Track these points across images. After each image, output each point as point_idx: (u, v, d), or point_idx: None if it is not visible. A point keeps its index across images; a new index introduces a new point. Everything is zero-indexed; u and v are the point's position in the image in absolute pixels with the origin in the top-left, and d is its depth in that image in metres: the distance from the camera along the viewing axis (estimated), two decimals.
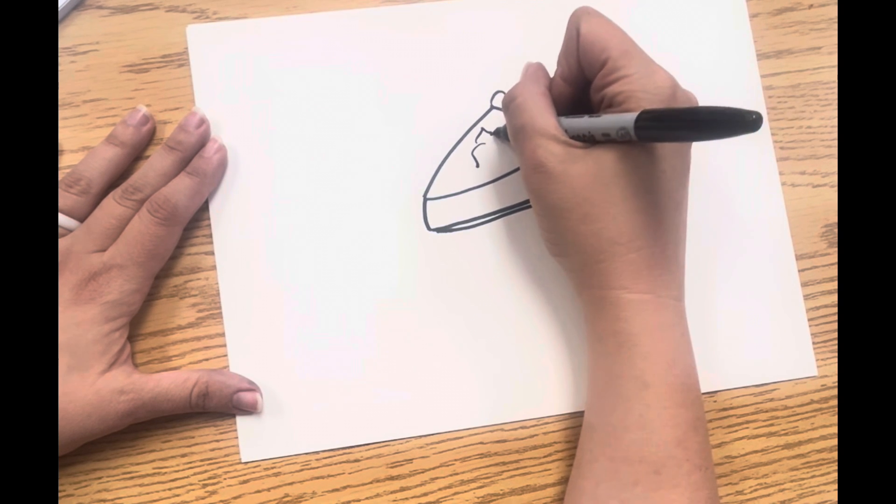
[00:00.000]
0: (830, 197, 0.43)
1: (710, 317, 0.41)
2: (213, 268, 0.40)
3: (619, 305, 0.34)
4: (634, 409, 0.33)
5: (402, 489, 0.39)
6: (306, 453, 0.39)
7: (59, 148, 0.40)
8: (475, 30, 0.43)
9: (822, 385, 0.42)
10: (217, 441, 0.39)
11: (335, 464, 0.39)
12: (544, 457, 0.40)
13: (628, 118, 0.31)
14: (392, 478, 0.39)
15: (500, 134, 0.42)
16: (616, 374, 0.34)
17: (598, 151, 0.33)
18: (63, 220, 0.37)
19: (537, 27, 0.43)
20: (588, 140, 0.34)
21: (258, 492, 0.39)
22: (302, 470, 0.39)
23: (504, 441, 0.40)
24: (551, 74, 0.37)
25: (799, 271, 0.42)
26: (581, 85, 0.36)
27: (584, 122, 0.34)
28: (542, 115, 0.35)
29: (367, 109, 0.42)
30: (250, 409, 0.38)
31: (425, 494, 0.39)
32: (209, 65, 0.41)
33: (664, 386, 0.33)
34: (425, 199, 0.41)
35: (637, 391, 0.33)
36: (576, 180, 0.33)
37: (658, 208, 0.34)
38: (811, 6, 0.45)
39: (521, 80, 0.37)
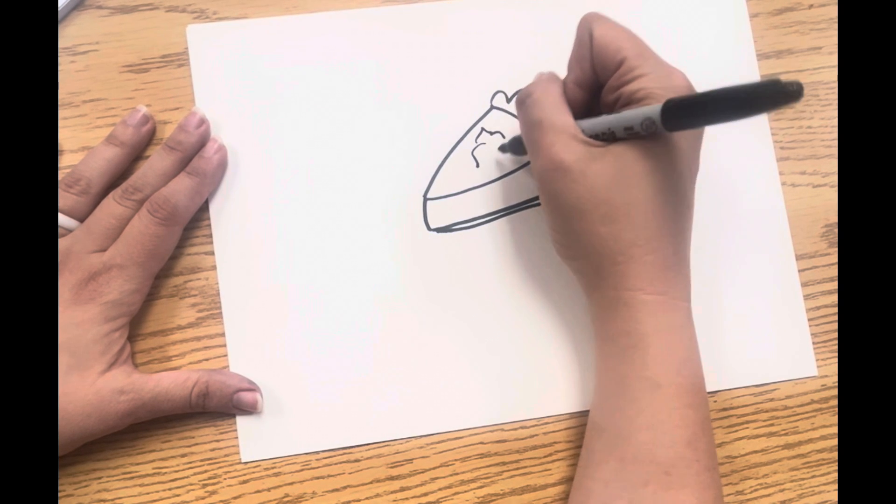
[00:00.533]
0: (830, 197, 0.43)
1: (711, 317, 0.41)
2: (213, 268, 0.40)
3: (632, 306, 0.34)
4: (645, 409, 0.33)
5: (402, 489, 0.39)
6: (306, 453, 0.39)
7: (59, 148, 0.40)
8: (475, 30, 0.43)
9: (822, 385, 0.42)
10: (217, 441, 0.39)
11: (335, 464, 0.39)
12: (544, 457, 0.40)
13: (654, 108, 0.31)
14: (392, 478, 0.39)
15: (505, 149, 0.41)
16: (625, 375, 0.34)
17: (617, 149, 0.33)
18: (63, 220, 0.37)
19: (538, 27, 0.43)
20: (607, 138, 0.33)
21: (258, 492, 0.39)
22: (302, 470, 0.39)
23: (504, 441, 0.40)
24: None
25: (799, 271, 0.42)
26: (593, 89, 0.36)
27: (603, 120, 0.33)
28: (560, 112, 0.34)
29: (367, 109, 0.42)
30: (250, 409, 0.38)
31: (425, 494, 0.39)
32: (209, 65, 0.41)
33: (675, 387, 0.33)
34: (425, 199, 0.41)
35: (648, 392, 0.33)
36: (595, 180, 0.33)
37: (674, 209, 0.34)
38: (811, 6, 0.45)
39: (536, 80, 0.37)
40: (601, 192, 0.33)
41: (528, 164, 0.42)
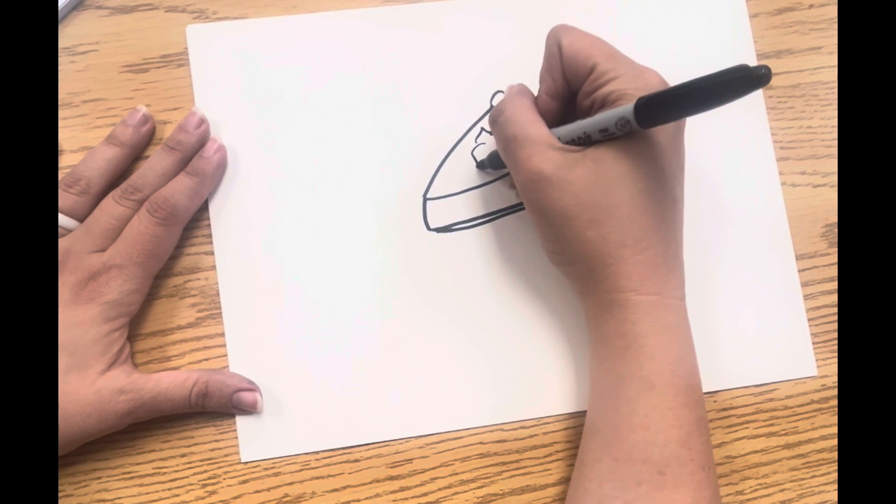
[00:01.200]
0: (830, 197, 0.43)
1: (711, 317, 0.41)
2: (213, 268, 0.40)
3: (627, 308, 0.34)
4: (639, 409, 0.33)
5: (402, 489, 0.39)
6: (306, 453, 0.39)
7: (59, 148, 0.40)
8: (475, 30, 0.43)
9: (822, 385, 0.42)
10: (217, 441, 0.39)
11: (335, 464, 0.39)
12: (544, 457, 0.40)
13: (627, 107, 0.31)
14: (392, 478, 0.39)
15: (483, 165, 0.41)
16: (620, 375, 0.34)
17: (596, 153, 0.33)
18: (63, 220, 0.37)
19: (537, 27, 0.43)
20: (584, 142, 0.33)
21: (258, 492, 0.39)
22: (302, 470, 0.39)
23: (504, 441, 0.40)
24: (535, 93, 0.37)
25: (799, 271, 0.42)
26: (566, 99, 0.36)
27: (579, 125, 0.33)
28: (533, 124, 0.34)
29: (366, 109, 0.42)
30: (250, 409, 0.38)
31: (425, 494, 0.39)
32: (209, 65, 0.41)
33: (669, 387, 0.33)
34: (425, 199, 0.41)
35: (642, 392, 0.33)
36: (577, 186, 0.33)
37: (660, 206, 0.34)
38: (811, 6, 0.45)
39: (506, 96, 0.37)
40: (584, 197, 0.33)
41: None
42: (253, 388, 0.38)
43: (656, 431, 0.33)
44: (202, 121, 0.40)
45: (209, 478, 0.39)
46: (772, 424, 0.41)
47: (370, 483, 0.39)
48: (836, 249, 0.43)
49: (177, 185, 0.38)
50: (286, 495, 0.39)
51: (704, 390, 0.40)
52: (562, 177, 0.33)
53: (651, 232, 0.33)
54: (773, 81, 0.44)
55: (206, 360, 0.39)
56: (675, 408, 0.33)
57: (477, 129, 0.42)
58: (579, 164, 0.33)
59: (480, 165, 0.42)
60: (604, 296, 0.34)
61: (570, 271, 0.36)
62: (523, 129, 0.34)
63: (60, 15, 0.41)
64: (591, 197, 0.33)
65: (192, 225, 0.40)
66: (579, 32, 0.35)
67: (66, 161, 0.40)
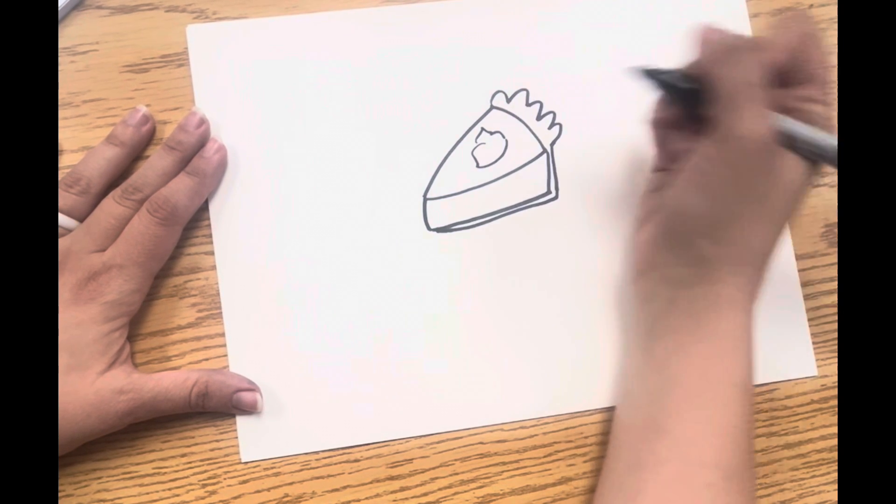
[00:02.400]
0: (830, 197, 0.43)
1: None
2: (213, 268, 0.40)
3: (735, 307, 0.34)
4: (725, 414, 0.33)
5: (402, 489, 0.39)
6: (306, 453, 0.39)
7: (59, 148, 0.40)
8: (475, 30, 0.43)
9: (822, 385, 0.42)
10: (217, 441, 0.39)
11: (335, 464, 0.39)
12: (544, 457, 0.40)
13: (834, 145, 0.32)
14: (392, 478, 0.39)
15: (655, 76, 0.35)
16: (715, 379, 0.34)
17: (793, 159, 0.33)
18: (63, 220, 0.37)
19: (538, 27, 0.43)
20: (780, 140, 0.33)
21: (258, 492, 0.39)
22: (302, 470, 0.39)
23: (504, 441, 0.40)
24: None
25: (799, 271, 0.42)
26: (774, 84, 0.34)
27: (786, 122, 0.33)
28: (765, 95, 0.32)
29: (366, 109, 0.42)
30: (250, 409, 0.38)
31: (425, 494, 0.39)
32: (209, 65, 0.41)
33: (750, 394, 0.34)
34: (425, 199, 0.41)
35: (736, 396, 0.34)
36: (775, 175, 0.33)
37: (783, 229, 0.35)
38: (811, 6, 0.45)
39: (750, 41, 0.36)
40: (769, 189, 0.33)
41: (526, 163, 0.42)
42: (253, 388, 0.38)
43: (734, 437, 0.33)
44: (202, 121, 0.40)
45: (209, 478, 0.39)
46: (772, 424, 0.41)
47: (370, 483, 0.39)
48: (836, 249, 0.43)
49: (177, 185, 0.38)
50: (286, 495, 0.39)
51: None
52: (776, 159, 0.33)
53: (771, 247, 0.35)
54: None
55: (206, 360, 0.39)
56: (750, 414, 0.34)
57: (477, 129, 0.42)
58: (780, 158, 0.33)
59: (649, 74, 0.36)
60: (713, 287, 0.34)
61: (691, 253, 0.35)
62: (760, 92, 0.32)
63: (60, 15, 0.41)
64: (773, 192, 0.33)
65: (192, 225, 0.40)
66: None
67: (66, 161, 0.40)
